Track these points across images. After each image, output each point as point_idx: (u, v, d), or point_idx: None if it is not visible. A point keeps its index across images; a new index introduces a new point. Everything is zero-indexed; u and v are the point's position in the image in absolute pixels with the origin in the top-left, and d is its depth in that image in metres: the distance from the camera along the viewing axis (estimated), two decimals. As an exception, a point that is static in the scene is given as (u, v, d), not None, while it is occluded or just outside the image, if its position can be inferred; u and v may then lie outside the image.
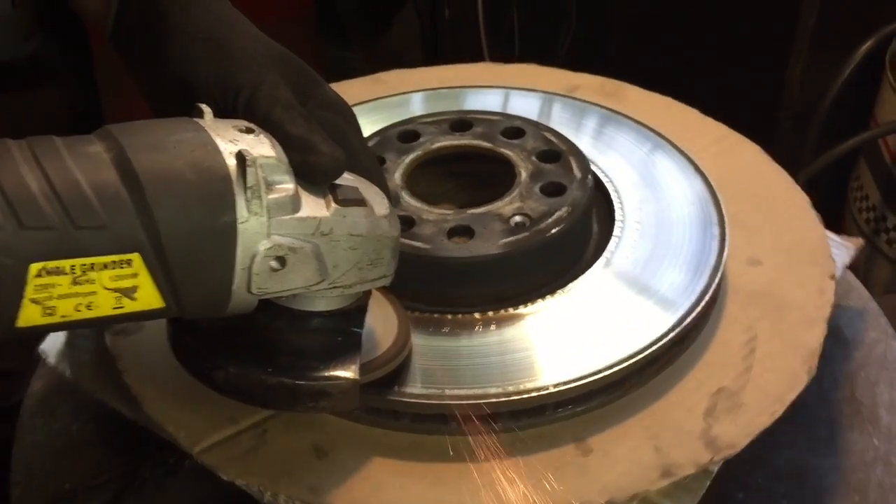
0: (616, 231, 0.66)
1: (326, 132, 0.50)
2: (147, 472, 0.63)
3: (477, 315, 0.60)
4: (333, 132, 0.51)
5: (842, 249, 0.73)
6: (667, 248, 0.65)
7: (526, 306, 0.61)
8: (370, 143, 0.69)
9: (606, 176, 0.71)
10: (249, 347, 0.49)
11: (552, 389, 0.55)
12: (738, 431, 0.56)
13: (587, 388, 0.56)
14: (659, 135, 0.76)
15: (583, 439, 0.56)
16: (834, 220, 1.60)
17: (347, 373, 0.49)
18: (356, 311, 0.51)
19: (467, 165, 0.71)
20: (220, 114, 0.49)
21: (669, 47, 1.66)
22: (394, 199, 0.61)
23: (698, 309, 0.60)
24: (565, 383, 0.55)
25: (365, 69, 2.29)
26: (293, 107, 0.50)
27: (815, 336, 0.61)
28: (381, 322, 0.55)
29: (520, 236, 0.61)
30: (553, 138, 0.70)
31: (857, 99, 1.42)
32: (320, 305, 0.49)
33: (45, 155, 0.41)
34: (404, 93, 0.84)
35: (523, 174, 0.66)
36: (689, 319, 0.60)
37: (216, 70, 0.52)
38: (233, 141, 0.44)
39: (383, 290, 0.54)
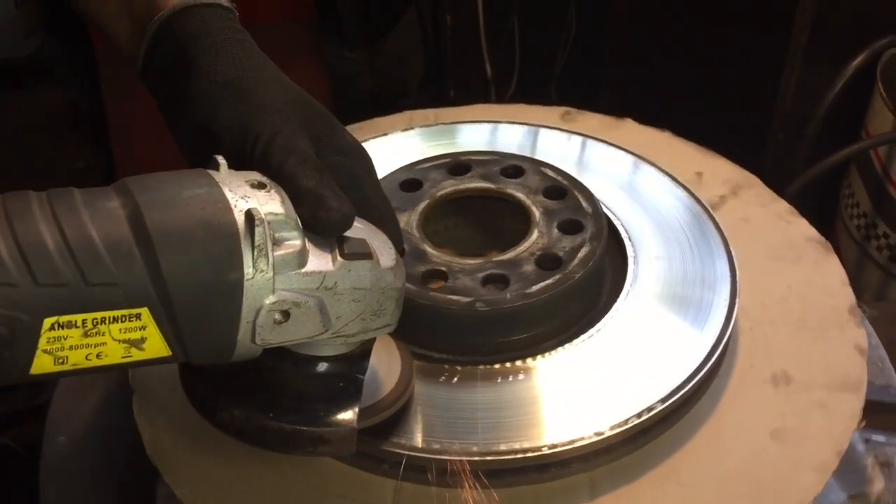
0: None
1: (340, 178, 0.51)
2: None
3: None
4: (348, 177, 0.53)
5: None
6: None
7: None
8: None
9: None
10: (253, 390, 0.50)
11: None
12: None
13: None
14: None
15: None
16: (826, 226, 1.62)
17: (346, 419, 0.50)
18: (359, 356, 0.52)
19: (472, 205, 0.71)
20: (238, 160, 0.50)
21: (666, 60, 1.67)
22: (404, 245, 0.61)
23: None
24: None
25: (366, 71, 2.30)
26: (307, 159, 0.51)
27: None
28: (385, 364, 0.56)
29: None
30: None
31: (849, 111, 1.43)
32: (324, 351, 0.51)
33: (63, 211, 0.43)
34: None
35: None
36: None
37: (236, 117, 0.53)
38: (244, 197, 0.46)
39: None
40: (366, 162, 0.56)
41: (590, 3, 1.80)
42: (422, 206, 0.68)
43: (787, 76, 1.44)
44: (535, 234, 0.65)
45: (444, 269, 0.63)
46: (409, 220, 0.67)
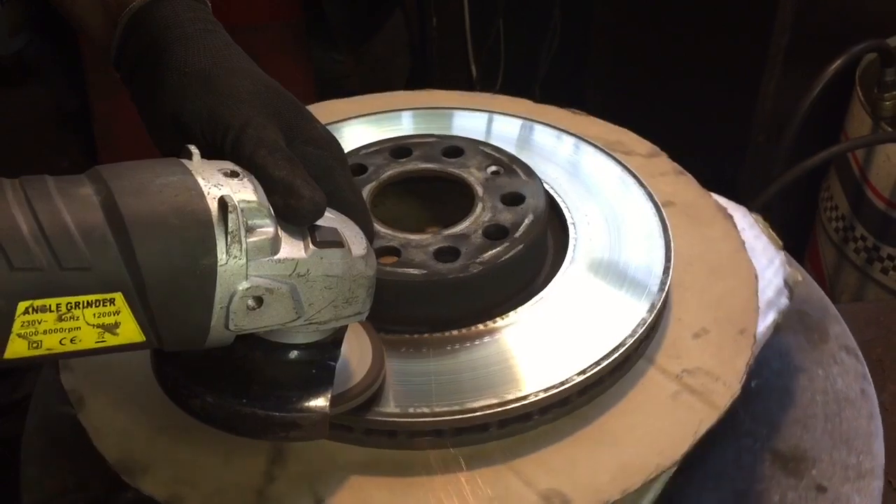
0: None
1: (312, 168, 0.52)
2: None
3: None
4: (319, 168, 0.53)
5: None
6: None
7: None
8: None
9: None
10: (226, 377, 0.51)
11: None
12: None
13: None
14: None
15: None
16: (805, 229, 1.64)
17: (318, 405, 0.51)
18: (332, 344, 0.53)
19: (423, 186, 0.72)
20: (209, 151, 0.51)
21: (649, 62, 1.69)
22: (372, 237, 0.61)
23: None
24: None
25: (353, 73, 2.32)
26: (278, 149, 0.51)
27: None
28: (357, 352, 0.57)
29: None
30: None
31: (828, 114, 1.46)
32: (297, 338, 0.51)
33: (37, 197, 0.43)
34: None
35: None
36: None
37: (206, 108, 0.53)
38: (217, 185, 0.46)
39: None
40: (337, 153, 0.56)
41: (574, 7, 1.81)
42: (367, 188, 0.70)
43: (767, 80, 1.46)
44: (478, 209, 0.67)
45: (397, 246, 0.65)
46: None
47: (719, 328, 0.66)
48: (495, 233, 0.66)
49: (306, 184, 0.49)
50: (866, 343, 0.79)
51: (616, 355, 0.61)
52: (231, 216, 0.45)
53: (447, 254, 0.64)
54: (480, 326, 0.63)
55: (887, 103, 1.42)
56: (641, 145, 0.82)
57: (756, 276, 0.69)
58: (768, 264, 0.73)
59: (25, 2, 0.99)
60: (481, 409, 0.58)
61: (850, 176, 1.46)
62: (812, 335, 0.76)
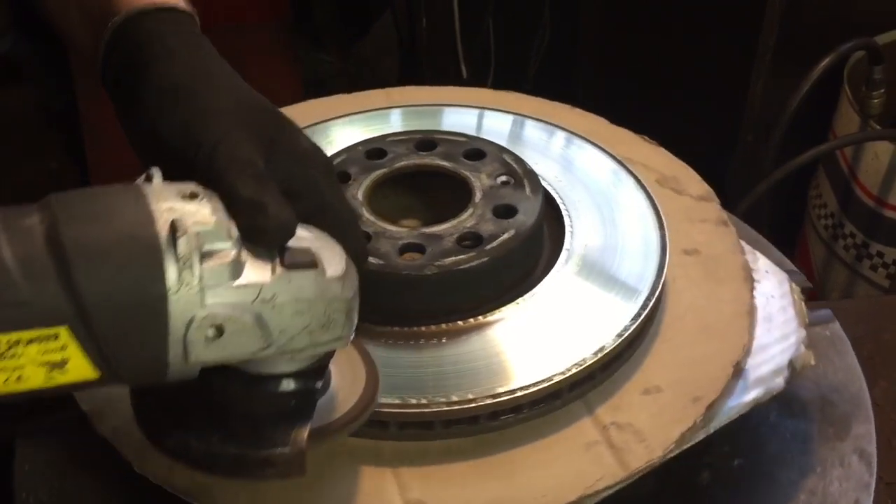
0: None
1: (295, 184, 0.50)
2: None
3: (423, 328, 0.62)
4: (303, 183, 0.51)
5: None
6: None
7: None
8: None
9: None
10: (201, 413, 0.48)
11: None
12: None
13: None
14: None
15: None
16: (794, 226, 1.65)
17: (294, 441, 0.48)
18: (314, 373, 0.49)
19: (430, 182, 0.72)
20: (184, 169, 0.49)
21: (638, 63, 1.70)
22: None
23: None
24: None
25: (341, 74, 2.30)
26: (248, 167, 0.49)
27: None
28: (349, 379, 0.54)
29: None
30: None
31: (817, 113, 1.46)
32: (277, 368, 0.48)
33: None
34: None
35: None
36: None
37: (179, 124, 0.52)
38: (170, 209, 0.44)
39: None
40: (324, 167, 0.55)
41: (563, 8, 1.82)
42: (374, 174, 0.69)
43: (755, 79, 1.47)
44: (467, 213, 0.66)
45: (369, 232, 0.64)
46: (361, 184, 0.68)
47: (674, 390, 0.61)
48: (469, 240, 0.65)
49: (274, 202, 0.47)
50: (857, 340, 0.78)
51: (537, 388, 0.58)
52: (181, 241, 0.42)
53: (412, 250, 0.63)
54: (423, 328, 0.61)
55: (875, 101, 1.42)
56: (697, 186, 0.77)
57: (744, 348, 0.63)
58: (781, 339, 0.66)
59: (10, 3, 0.98)
60: (384, 406, 0.56)
61: (838, 174, 1.47)
62: (828, 429, 0.68)
